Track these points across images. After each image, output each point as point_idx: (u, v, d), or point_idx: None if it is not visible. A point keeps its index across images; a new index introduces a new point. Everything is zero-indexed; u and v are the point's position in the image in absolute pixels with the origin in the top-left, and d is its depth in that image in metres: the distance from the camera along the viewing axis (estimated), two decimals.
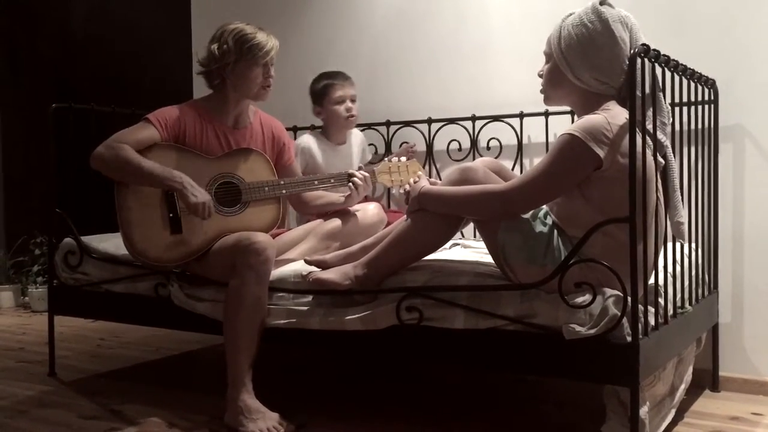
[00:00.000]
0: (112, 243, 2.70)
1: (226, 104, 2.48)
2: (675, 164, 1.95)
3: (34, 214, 4.72)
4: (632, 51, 1.85)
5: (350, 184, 2.45)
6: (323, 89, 2.87)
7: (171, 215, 2.35)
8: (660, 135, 1.88)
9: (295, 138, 3.25)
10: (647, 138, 1.82)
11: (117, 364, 3.09)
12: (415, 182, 2.09)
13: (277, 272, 2.28)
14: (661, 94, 1.88)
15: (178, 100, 2.56)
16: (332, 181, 2.50)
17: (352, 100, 2.89)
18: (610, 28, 1.86)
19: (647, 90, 1.83)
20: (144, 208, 2.36)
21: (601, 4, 1.90)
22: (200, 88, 2.98)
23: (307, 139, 2.90)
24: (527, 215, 1.91)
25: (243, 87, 2.43)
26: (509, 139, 2.98)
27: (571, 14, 1.93)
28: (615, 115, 1.83)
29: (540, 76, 1.99)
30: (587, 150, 1.77)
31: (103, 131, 2.50)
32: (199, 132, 2.45)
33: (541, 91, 2.00)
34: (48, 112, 2.83)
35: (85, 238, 2.76)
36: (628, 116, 1.83)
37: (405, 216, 2.10)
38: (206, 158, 2.42)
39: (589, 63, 1.87)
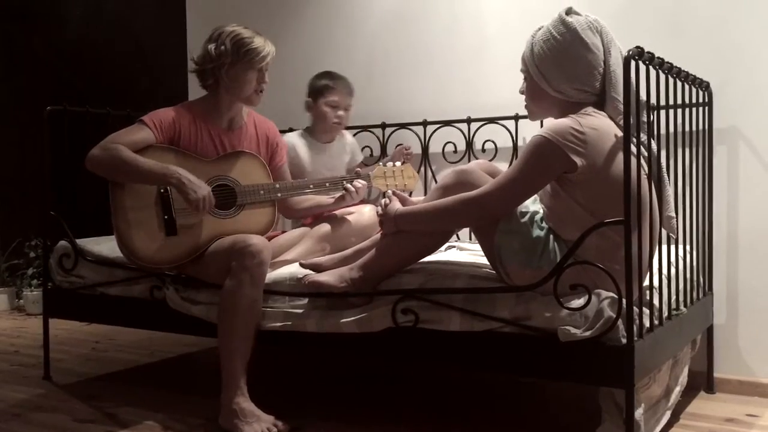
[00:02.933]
0: (107, 246, 2.69)
1: (219, 106, 2.48)
2: (662, 160, 1.96)
3: (29, 217, 4.70)
4: (606, 53, 1.88)
5: (345, 187, 2.45)
6: (322, 88, 2.86)
7: (166, 217, 2.35)
8: (642, 134, 1.88)
9: None
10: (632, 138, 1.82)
11: (112, 367, 3.08)
12: (387, 204, 2.08)
13: (272, 275, 2.28)
14: (642, 95, 1.88)
15: (173, 101, 2.55)
16: (327, 185, 2.50)
17: (345, 109, 2.89)
18: (580, 36, 1.88)
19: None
20: (139, 210, 2.36)
21: (567, 13, 1.92)
22: (195, 90, 2.97)
23: (292, 138, 2.89)
24: (525, 218, 1.91)
25: (236, 90, 2.43)
26: (505, 141, 2.98)
27: (539, 29, 1.95)
28: (588, 117, 1.84)
29: (522, 93, 2.01)
30: (557, 150, 1.79)
31: (99, 133, 2.50)
32: (193, 134, 2.44)
33: (526, 107, 2.03)
34: (43, 114, 2.83)
35: (80, 241, 2.75)
36: (603, 119, 1.85)
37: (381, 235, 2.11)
38: (201, 160, 2.42)
39: (565, 74, 1.89)
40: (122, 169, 2.31)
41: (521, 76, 2.04)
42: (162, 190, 2.36)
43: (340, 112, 2.87)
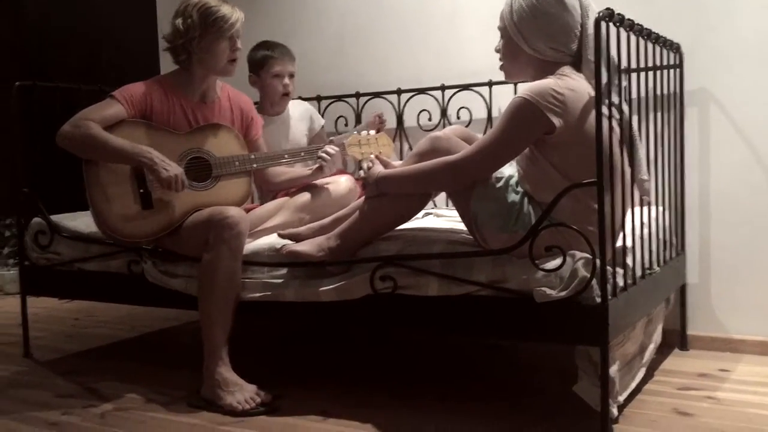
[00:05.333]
0: (82, 221, 2.67)
1: (192, 79, 2.46)
2: (635, 123, 1.98)
3: (2, 195, 4.65)
4: (583, 16, 1.89)
5: (319, 156, 2.45)
6: (262, 60, 2.81)
7: (141, 191, 2.34)
8: (615, 97, 1.90)
9: None
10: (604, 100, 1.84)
11: (92, 343, 3.08)
12: (369, 168, 2.09)
13: (251, 246, 2.28)
14: (615, 57, 1.90)
15: (144, 76, 2.52)
16: (302, 154, 2.49)
17: (291, 76, 2.84)
18: None
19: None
20: (114, 185, 2.34)
21: None
22: (167, 64, 2.94)
23: None
24: (500, 184, 1.93)
25: (209, 61, 2.40)
26: (479, 108, 2.99)
27: None
28: (566, 78, 1.85)
29: (497, 51, 2.02)
30: (537, 112, 1.80)
31: (69, 109, 2.47)
32: (165, 108, 2.42)
33: (501, 68, 2.03)
34: (12, 90, 2.78)
35: (55, 217, 2.73)
36: (581, 80, 1.86)
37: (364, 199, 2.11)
38: (175, 134, 2.40)
39: (542, 33, 1.89)
40: (93, 147, 2.29)
41: (494, 42, 2.04)
42: None
43: (286, 81, 2.83)
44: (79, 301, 3.64)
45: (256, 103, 3.05)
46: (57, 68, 4.63)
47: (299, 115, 2.96)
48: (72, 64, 4.69)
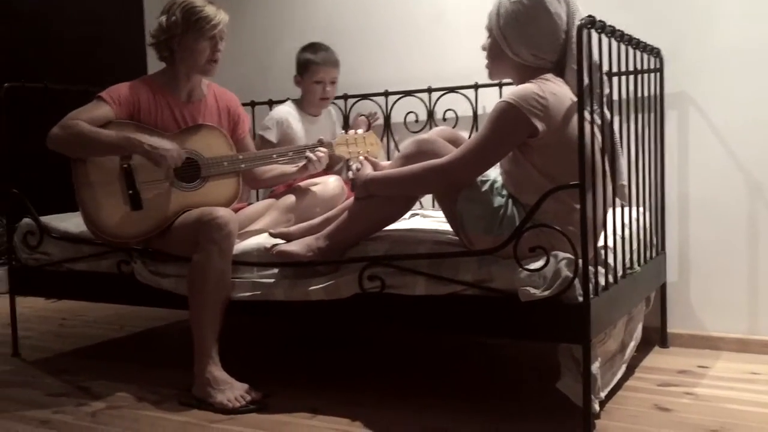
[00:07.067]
0: (72, 222, 2.69)
1: (177, 78, 2.48)
2: (616, 126, 2.03)
3: None
4: (569, 23, 1.93)
5: (307, 156, 2.47)
6: (305, 64, 2.89)
7: (130, 192, 2.36)
8: (596, 103, 1.94)
9: (252, 111, 3.25)
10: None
11: (82, 343, 3.09)
12: (358, 169, 2.13)
13: (241, 246, 2.31)
14: (597, 64, 1.94)
15: (132, 76, 2.54)
16: (291, 154, 2.52)
17: (332, 82, 2.91)
18: (545, 4, 1.92)
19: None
20: (103, 186, 2.36)
21: None
22: (154, 64, 2.96)
23: (285, 110, 2.92)
24: (485, 187, 1.97)
25: (190, 60, 2.43)
26: (465, 109, 3.03)
27: None
28: (549, 83, 1.90)
29: (483, 49, 2.06)
30: (521, 115, 1.84)
31: (58, 109, 2.48)
32: (153, 108, 2.44)
33: (486, 66, 2.07)
34: (0, 91, 2.79)
35: (45, 218, 2.74)
36: (562, 85, 1.91)
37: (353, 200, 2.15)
38: (162, 135, 2.42)
39: (525, 39, 1.93)
40: (84, 144, 2.31)
41: (479, 43, 2.08)
42: (125, 166, 2.37)
43: (327, 88, 2.90)
44: (66, 300, 3.65)
45: (248, 103, 3.08)
46: (46, 68, 4.62)
47: (332, 119, 3.07)
48: (61, 64, 4.68)
